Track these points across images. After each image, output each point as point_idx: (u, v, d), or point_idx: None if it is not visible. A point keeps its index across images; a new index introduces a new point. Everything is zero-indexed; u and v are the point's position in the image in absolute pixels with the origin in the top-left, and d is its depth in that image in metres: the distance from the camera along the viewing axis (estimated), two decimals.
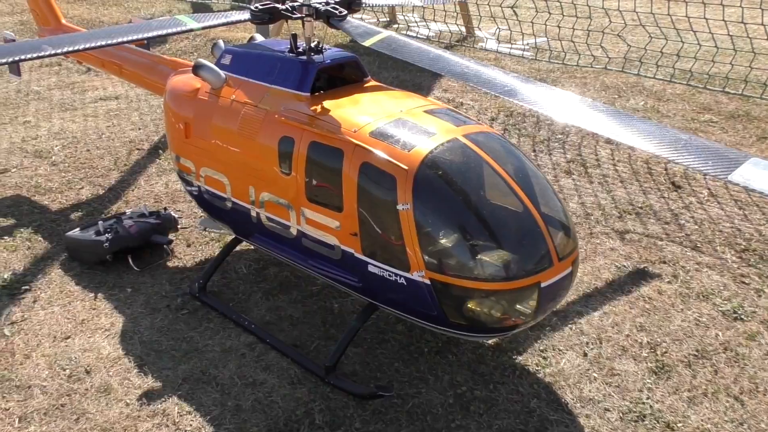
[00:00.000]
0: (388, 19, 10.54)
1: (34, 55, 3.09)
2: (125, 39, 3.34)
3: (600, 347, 3.92)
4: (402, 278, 3.31)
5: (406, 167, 3.25)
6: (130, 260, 4.58)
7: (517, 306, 3.31)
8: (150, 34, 3.41)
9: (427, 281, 3.24)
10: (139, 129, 6.95)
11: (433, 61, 3.34)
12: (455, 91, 7.91)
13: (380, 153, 3.31)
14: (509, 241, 3.30)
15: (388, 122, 3.47)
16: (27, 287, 4.42)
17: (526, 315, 3.34)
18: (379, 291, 3.50)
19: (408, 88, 7.14)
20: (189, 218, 5.22)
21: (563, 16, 7.94)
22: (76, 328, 4.06)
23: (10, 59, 3.00)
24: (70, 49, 3.17)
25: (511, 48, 8.90)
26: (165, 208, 5.08)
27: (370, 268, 3.43)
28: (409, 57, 3.41)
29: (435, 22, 9.87)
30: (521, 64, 8.74)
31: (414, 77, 8.26)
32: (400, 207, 3.23)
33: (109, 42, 3.29)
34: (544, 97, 3.25)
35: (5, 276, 4.50)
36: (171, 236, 4.83)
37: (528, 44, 9.05)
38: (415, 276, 3.26)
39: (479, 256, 3.24)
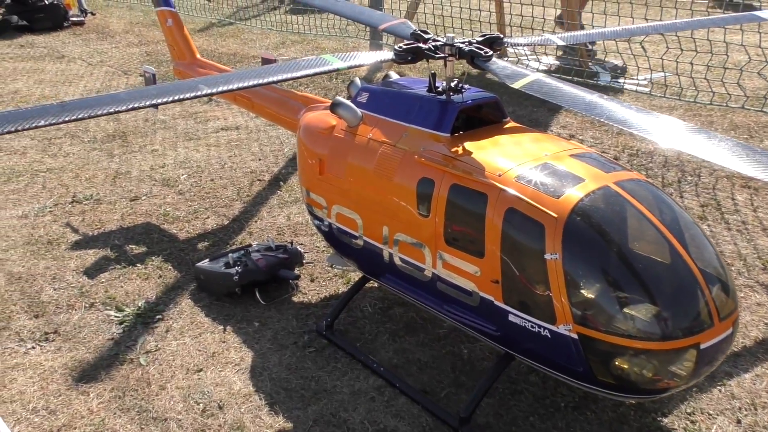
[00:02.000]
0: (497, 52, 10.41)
1: (192, 95, 3.15)
2: (276, 78, 3.37)
3: (755, 414, 3.61)
4: (546, 330, 3.16)
5: (555, 215, 3.11)
6: (257, 294, 4.61)
7: (673, 368, 3.09)
8: (299, 74, 3.42)
9: (575, 335, 3.07)
10: (260, 160, 7.09)
11: (588, 107, 3.19)
12: (574, 127, 7.68)
13: (527, 199, 3.18)
14: (666, 298, 3.09)
15: (533, 166, 3.35)
16: (160, 316, 4.51)
17: (681, 378, 3.11)
18: (519, 342, 3.35)
19: (524, 122, 6.94)
20: (312, 252, 5.23)
21: (696, 52, 7.59)
22: (208, 360, 4.09)
23: (170, 98, 3.06)
24: (225, 88, 3.22)
25: (638, 85, 8.57)
26: (291, 242, 5.12)
27: (511, 318, 3.30)
28: (562, 101, 3.27)
29: (546, 55, 9.69)
30: (640, 100, 8.42)
31: (530, 112, 8.09)
32: (548, 256, 3.09)
33: (261, 82, 3.33)
34: (721, 149, 3.01)
35: (140, 304, 4.61)
36: (296, 271, 4.84)
37: (647, 79, 8.70)
38: (562, 329, 3.10)
39: (634, 313, 3.04)
